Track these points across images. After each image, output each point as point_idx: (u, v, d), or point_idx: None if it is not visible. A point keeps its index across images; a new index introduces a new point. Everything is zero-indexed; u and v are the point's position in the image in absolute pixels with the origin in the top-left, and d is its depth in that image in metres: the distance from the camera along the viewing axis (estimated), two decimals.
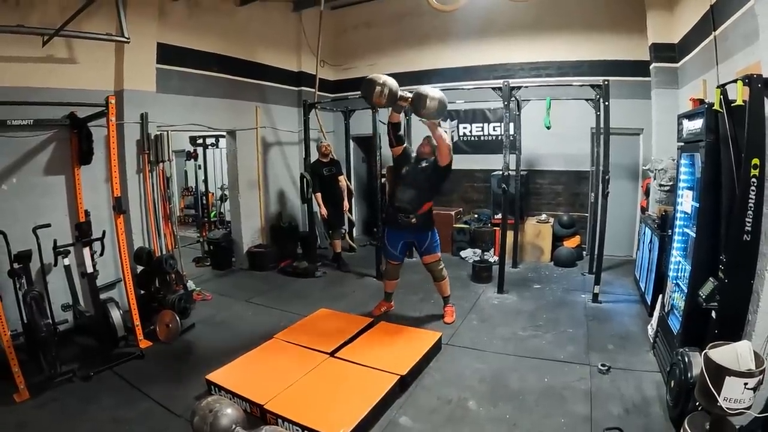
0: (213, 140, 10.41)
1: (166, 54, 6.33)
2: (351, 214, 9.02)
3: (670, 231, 4.59)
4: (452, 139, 9.07)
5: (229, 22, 7.57)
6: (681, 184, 4.24)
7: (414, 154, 5.30)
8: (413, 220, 5.11)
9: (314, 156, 7.73)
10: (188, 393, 3.98)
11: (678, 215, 4.27)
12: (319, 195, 7.56)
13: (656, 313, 4.61)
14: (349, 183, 8.83)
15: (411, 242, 5.46)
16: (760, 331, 3.06)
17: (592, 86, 6.06)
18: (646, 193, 6.90)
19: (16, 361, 3.95)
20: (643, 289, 5.85)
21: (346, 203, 8.01)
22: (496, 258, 7.42)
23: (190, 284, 6.47)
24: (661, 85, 6.83)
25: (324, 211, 7.58)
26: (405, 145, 5.24)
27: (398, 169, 5.25)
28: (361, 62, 9.90)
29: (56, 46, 5.03)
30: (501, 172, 6.37)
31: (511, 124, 6.51)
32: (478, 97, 7.78)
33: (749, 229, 3.08)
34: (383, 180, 7.64)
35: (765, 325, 3.07)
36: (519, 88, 6.33)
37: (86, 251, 4.72)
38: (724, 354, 2.57)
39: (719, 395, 2.47)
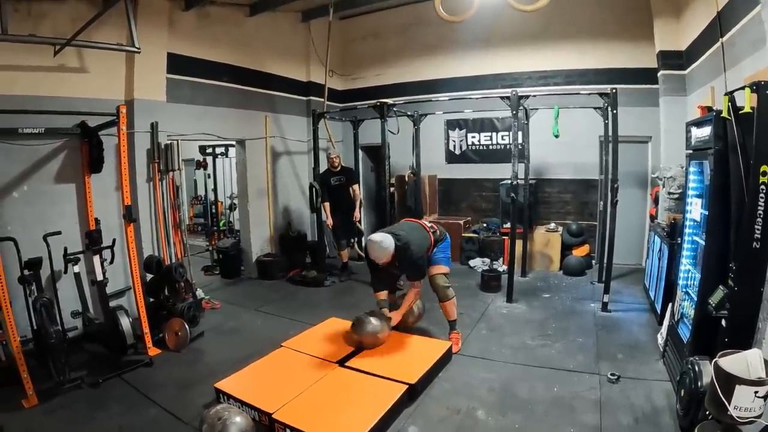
0: (222, 149, 10.49)
1: (176, 64, 6.41)
2: (360, 223, 9.02)
3: (679, 239, 4.56)
4: (460, 148, 9.11)
5: (239, 33, 7.65)
6: (690, 192, 4.22)
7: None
8: None
9: (323, 165, 7.76)
10: (197, 401, 3.99)
11: (687, 223, 4.25)
12: (327, 205, 7.54)
13: (666, 322, 4.57)
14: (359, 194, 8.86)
15: None
16: None
17: (600, 94, 6.05)
18: (655, 201, 6.87)
19: (25, 367, 3.98)
20: (652, 298, 5.81)
21: (356, 213, 7.84)
22: (504, 267, 7.41)
23: (199, 293, 6.50)
24: (669, 93, 6.82)
25: (330, 222, 7.56)
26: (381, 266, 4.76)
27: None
28: (369, 72, 9.98)
29: (67, 56, 5.11)
30: (510, 181, 6.36)
31: (520, 133, 6.52)
32: (485, 107, 7.79)
33: (759, 236, 3.06)
34: (392, 189, 7.65)
35: None
36: (527, 96, 6.34)
37: (96, 259, 4.75)
38: (734, 362, 2.56)
39: (729, 404, 2.46)
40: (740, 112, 3.16)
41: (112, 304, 4.95)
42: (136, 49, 5.08)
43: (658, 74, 6.99)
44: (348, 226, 7.87)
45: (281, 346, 4.85)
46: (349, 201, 7.71)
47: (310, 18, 8.86)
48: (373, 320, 4.68)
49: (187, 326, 5.18)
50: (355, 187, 7.77)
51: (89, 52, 5.26)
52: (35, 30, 4.74)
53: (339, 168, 7.63)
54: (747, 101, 3.06)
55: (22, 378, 3.95)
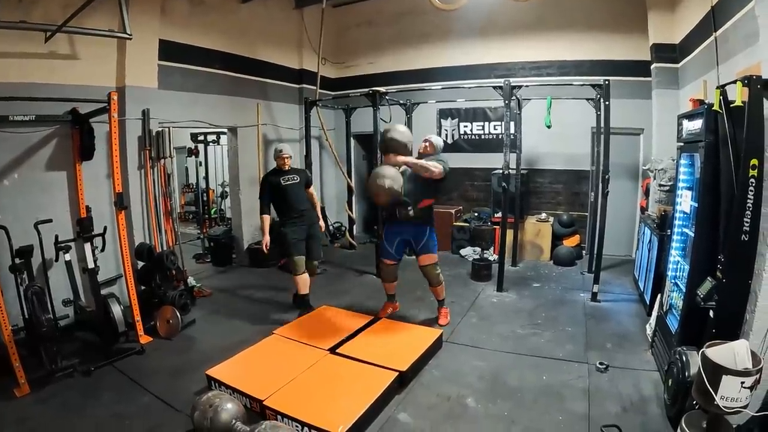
0: (214, 137, 10.43)
1: (168, 51, 6.34)
2: (352, 211, 9.03)
3: (669, 231, 4.60)
4: (452, 137, 9.10)
5: (231, 19, 7.58)
6: (680, 184, 4.25)
7: (415, 154, 5.22)
8: (411, 212, 4.97)
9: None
10: (188, 388, 4.00)
11: (677, 215, 4.29)
12: (266, 218, 5.65)
13: (655, 312, 4.63)
14: (350, 182, 8.85)
15: (408, 241, 5.20)
16: (757, 331, 3.08)
17: (593, 86, 6.07)
18: (646, 192, 6.91)
19: (17, 356, 3.97)
20: (642, 289, 5.87)
21: (321, 223, 6.15)
22: (495, 256, 7.45)
23: (191, 280, 6.49)
24: (662, 86, 6.83)
25: (267, 240, 5.63)
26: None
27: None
28: (362, 60, 9.96)
29: (58, 42, 5.04)
30: (501, 171, 6.39)
31: (512, 123, 6.52)
32: (478, 96, 7.79)
33: (747, 229, 3.10)
34: None
35: (762, 324, 3.08)
36: (520, 87, 6.36)
37: (87, 247, 4.72)
38: (721, 353, 2.59)
39: (716, 394, 2.49)
40: (731, 105, 3.19)
41: (104, 292, 4.91)
42: (128, 36, 5.02)
43: (652, 67, 7.00)
44: (311, 239, 5.85)
45: (273, 333, 4.88)
46: (307, 204, 5.91)
47: (303, 5, 8.79)
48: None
49: (178, 314, 5.19)
50: (311, 190, 6.05)
51: (80, 38, 5.19)
52: (26, 16, 4.66)
53: (289, 169, 5.80)
54: (738, 95, 3.08)
55: (14, 367, 3.93)
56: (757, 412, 2.63)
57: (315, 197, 6.10)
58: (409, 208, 4.98)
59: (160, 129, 6.07)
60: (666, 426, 3.34)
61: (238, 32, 7.71)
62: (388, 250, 5.27)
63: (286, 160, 5.70)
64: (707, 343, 2.70)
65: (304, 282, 5.69)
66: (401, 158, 4.88)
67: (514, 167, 7.31)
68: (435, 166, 4.78)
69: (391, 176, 4.69)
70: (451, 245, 8.48)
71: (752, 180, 3.04)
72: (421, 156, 5.14)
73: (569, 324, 5.29)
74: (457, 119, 9.14)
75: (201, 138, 10.40)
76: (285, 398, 3.62)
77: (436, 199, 5.20)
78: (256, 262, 7.94)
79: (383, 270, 5.47)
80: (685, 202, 4.14)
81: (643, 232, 6.13)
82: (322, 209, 8.90)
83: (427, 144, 5.10)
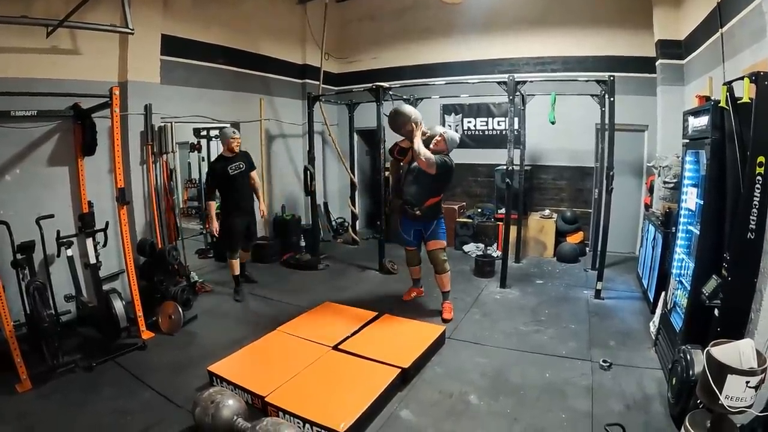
0: (217, 132, 10.39)
1: (171, 45, 6.32)
2: (354, 207, 9.02)
3: (673, 228, 4.57)
4: (456, 132, 9.06)
5: (234, 14, 7.56)
6: (686, 182, 4.22)
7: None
8: (417, 212, 5.20)
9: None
10: (190, 384, 3.99)
11: (682, 212, 4.26)
12: (212, 205, 6.02)
13: (658, 310, 4.61)
14: (353, 178, 8.82)
15: (420, 230, 5.43)
16: (763, 330, 3.06)
17: (598, 82, 6.04)
18: (650, 189, 6.87)
19: (18, 352, 3.97)
20: (645, 286, 5.84)
21: (262, 206, 6.35)
22: (498, 253, 7.43)
23: (193, 276, 6.48)
24: (667, 82, 6.79)
25: (215, 226, 6.08)
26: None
27: (407, 164, 5.30)
28: (365, 55, 9.93)
29: (60, 37, 5.02)
30: (505, 167, 6.35)
31: (516, 119, 6.49)
32: (482, 92, 7.73)
33: (753, 227, 3.07)
34: (387, 173, 7.60)
35: None
36: (524, 82, 6.33)
37: (89, 242, 4.71)
38: (726, 352, 2.57)
39: (721, 393, 2.47)
40: (738, 102, 3.15)
41: (106, 287, 4.90)
42: (130, 31, 5.01)
43: (657, 63, 6.95)
44: (252, 228, 6.31)
45: (275, 329, 4.87)
46: (252, 194, 6.22)
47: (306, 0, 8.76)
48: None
49: (180, 309, 5.19)
50: (254, 174, 6.24)
51: (82, 33, 5.17)
52: (27, 11, 4.65)
53: (236, 154, 6.04)
54: (746, 92, 3.05)
55: (16, 362, 3.93)
56: (761, 412, 2.61)
57: (257, 181, 6.32)
58: (416, 209, 5.19)
59: (163, 124, 6.06)
60: (669, 425, 3.33)
61: (240, 27, 7.69)
62: (406, 238, 5.56)
63: (239, 141, 6.01)
64: (712, 342, 2.69)
65: (235, 266, 6.17)
66: (415, 140, 4.94)
67: (518, 163, 7.27)
68: (427, 157, 4.88)
69: (408, 110, 5.14)
70: (454, 241, 8.45)
71: (759, 177, 3.01)
72: (434, 152, 5.07)
73: (572, 321, 5.27)
74: (460, 115, 9.11)
75: (203, 133, 10.36)
76: (287, 395, 3.61)
77: (442, 196, 5.37)
78: (259, 257, 7.92)
79: (407, 256, 5.76)
80: (691, 199, 4.12)
81: (647, 230, 6.09)
82: (325, 204, 9.03)
83: (440, 139, 5.11)
